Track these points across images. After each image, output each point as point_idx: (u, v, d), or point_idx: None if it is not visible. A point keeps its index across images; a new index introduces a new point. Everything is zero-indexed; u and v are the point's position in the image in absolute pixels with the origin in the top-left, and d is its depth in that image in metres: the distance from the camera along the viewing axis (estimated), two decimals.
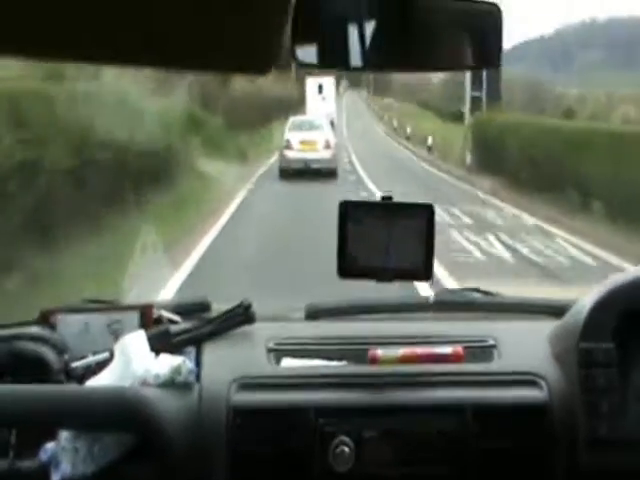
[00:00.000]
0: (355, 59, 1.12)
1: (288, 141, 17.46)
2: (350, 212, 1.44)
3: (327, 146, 17.48)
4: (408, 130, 31.80)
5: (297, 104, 38.56)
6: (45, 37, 0.50)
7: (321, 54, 1.13)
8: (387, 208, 1.44)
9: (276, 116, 29.20)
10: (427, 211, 1.43)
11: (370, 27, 1.10)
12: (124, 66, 0.55)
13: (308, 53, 1.14)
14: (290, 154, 17.25)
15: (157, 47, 0.52)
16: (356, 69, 1.14)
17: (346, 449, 1.36)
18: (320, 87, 33.28)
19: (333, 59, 1.16)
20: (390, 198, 1.45)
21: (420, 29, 1.10)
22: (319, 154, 17.21)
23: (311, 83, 33.58)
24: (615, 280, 1.46)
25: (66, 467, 1.36)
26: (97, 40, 0.51)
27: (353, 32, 1.10)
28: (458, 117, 48.66)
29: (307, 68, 1.22)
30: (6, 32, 0.49)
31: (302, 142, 17.25)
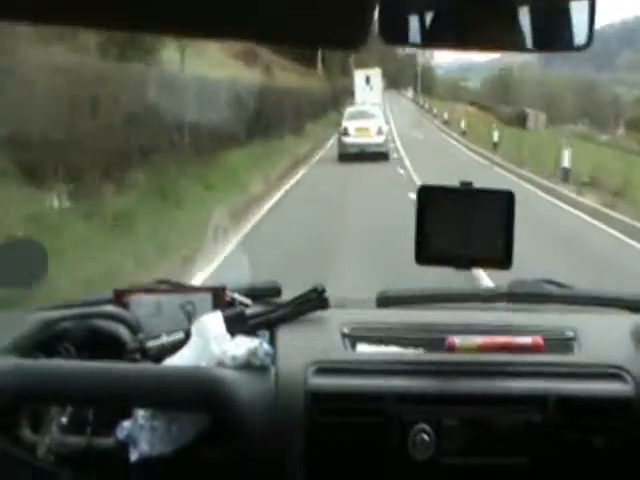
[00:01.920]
0: (414, 36, 1.11)
1: (346, 128, 19.80)
2: (429, 197, 1.41)
3: (379, 132, 19.83)
4: (566, 160, 14.30)
5: (329, 104, 33.85)
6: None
7: (381, 30, 1.11)
8: (466, 193, 1.41)
9: (289, 126, 22.01)
10: (507, 197, 1.40)
11: (429, 4, 1.08)
12: (211, 40, 0.55)
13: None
14: (347, 140, 19.63)
15: (248, 20, 0.51)
16: (415, 45, 1.12)
17: (426, 437, 1.34)
18: (367, 78, 35.80)
19: (392, 36, 1.14)
20: (470, 184, 1.42)
21: (482, 7, 1.07)
22: (372, 139, 19.59)
23: (359, 75, 36.11)
24: None
25: (144, 446, 1.36)
26: (186, 10, 0.51)
27: (413, 9, 1.09)
28: (521, 121, 36.91)
29: (386, 44, 1.24)
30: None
31: (357, 129, 19.55)
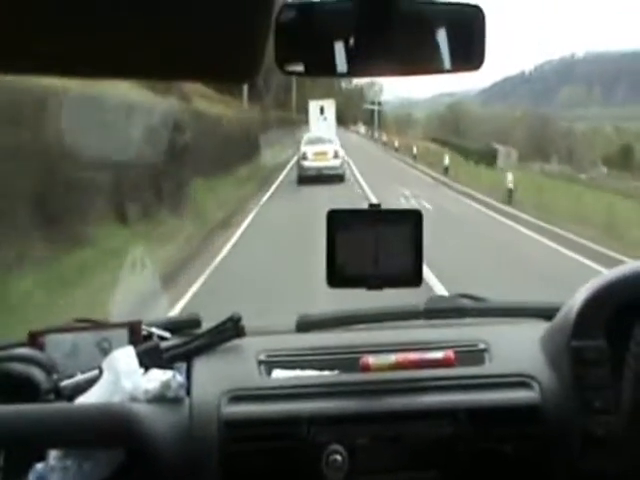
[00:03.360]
0: (341, 65, 1.14)
1: (304, 153, 21.34)
2: (338, 220, 1.43)
3: (336, 156, 21.43)
4: None
5: (255, 143, 24.85)
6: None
7: (306, 62, 1.15)
8: (375, 215, 1.43)
9: (152, 197, 11.04)
10: (415, 216, 1.42)
11: (353, 33, 1.11)
12: (111, 78, 0.55)
13: (293, 62, 1.16)
14: (306, 163, 21.15)
15: (140, 57, 0.52)
16: (341, 75, 1.16)
17: (339, 457, 1.35)
18: (322, 109, 36.62)
19: (318, 67, 1.17)
20: (378, 205, 1.44)
21: (404, 33, 1.11)
22: (330, 162, 21.14)
23: (313, 105, 36.90)
24: (603, 278, 1.47)
25: None
26: (75, 53, 0.51)
27: (337, 38, 1.12)
28: (490, 158, 25.47)
29: (293, 76, 1.28)
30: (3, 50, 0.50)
31: (315, 153, 21.18)
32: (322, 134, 25.45)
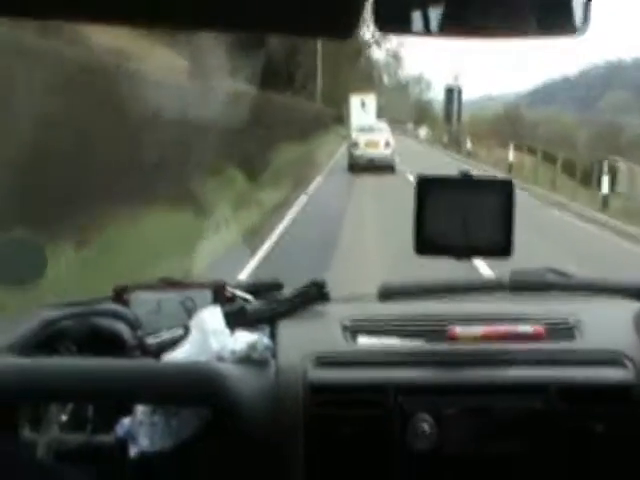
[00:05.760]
0: (417, 25, 1.11)
1: (355, 141, 21.03)
2: (428, 188, 1.40)
3: (387, 145, 20.92)
4: None
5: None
6: None
7: (402, 22, 1.12)
8: (466, 183, 1.39)
9: None
10: (507, 186, 1.38)
11: None
12: (201, 30, 0.55)
13: (390, 21, 1.14)
14: (357, 152, 20.78)
15: (237, 9, 0.51)
16: (435, 35, 1.13)
17: (426, 427, 1.33)
18: (363, 103, 36.63)
19: (412, 26, 1.15)
20: (469, 174, 1.42)
21: None
22: (381, 152, 20.69)
23: (355, 99, 37.19)
24: None
25: (144, 441, 1.34)
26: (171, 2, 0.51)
27: None
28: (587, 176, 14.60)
29: (382, 32, 1.25)
30: None
31: (366, 142, 20.78)
32: (373, 123, 25.25)
